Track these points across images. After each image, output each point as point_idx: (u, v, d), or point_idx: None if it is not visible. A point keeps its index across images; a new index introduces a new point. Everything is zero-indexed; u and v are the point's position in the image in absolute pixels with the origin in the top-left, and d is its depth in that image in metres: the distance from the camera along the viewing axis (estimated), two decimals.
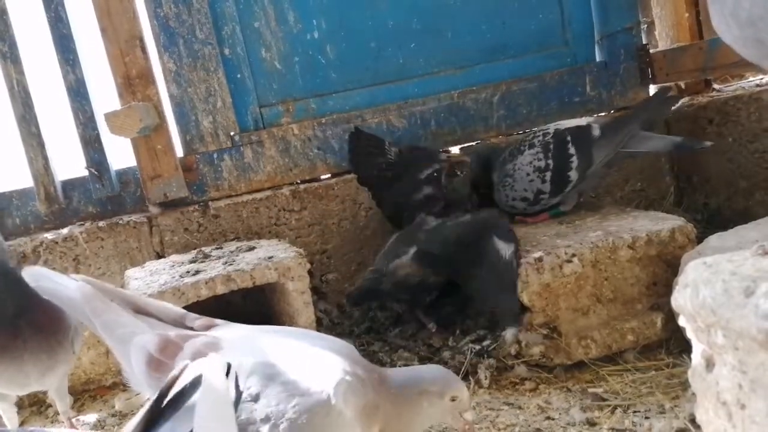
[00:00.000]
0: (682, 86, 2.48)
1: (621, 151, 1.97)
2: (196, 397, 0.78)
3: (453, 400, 1.14)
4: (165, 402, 0.78)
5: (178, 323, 1.16)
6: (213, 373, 0.82)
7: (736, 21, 0.92)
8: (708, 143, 1.99)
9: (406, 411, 1.10)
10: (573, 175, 1.96)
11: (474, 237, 1.76)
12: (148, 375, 1.04)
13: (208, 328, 1.14)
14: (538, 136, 2.03)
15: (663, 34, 2.51)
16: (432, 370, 1.19)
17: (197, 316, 1.18)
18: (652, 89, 2.53)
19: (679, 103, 2.44)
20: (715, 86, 2.46)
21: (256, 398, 0.98)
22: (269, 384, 1.00)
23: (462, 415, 1.16)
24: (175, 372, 0.80)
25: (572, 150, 1.96)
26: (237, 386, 0.89)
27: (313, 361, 1.06)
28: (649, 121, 2.03)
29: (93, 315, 1.10)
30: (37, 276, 1.20)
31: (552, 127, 2.05)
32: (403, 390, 1.10)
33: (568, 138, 1.97)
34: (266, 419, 0.97)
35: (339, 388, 1.00)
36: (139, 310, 1.15)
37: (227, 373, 0.88)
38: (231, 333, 1.13)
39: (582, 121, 2.07)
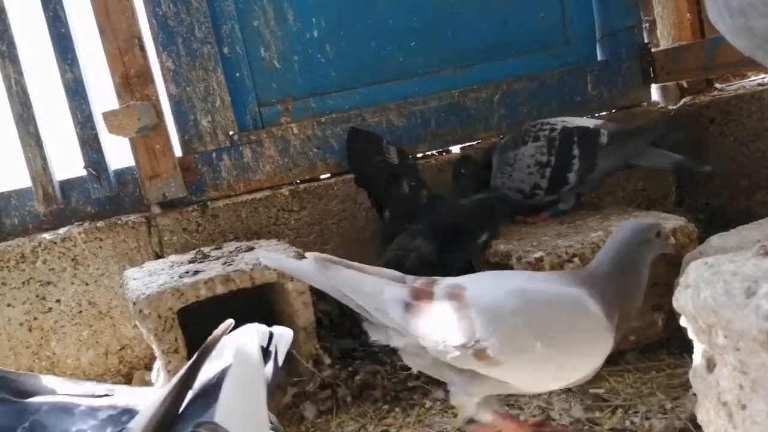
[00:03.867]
0: (684, 85, 2.47)
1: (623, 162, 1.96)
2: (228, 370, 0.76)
3: (658, 235, 1.29)
4: (200, 371, 0.75)
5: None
6: (248, 346, 0.80)
7: (728, 10, 0.95)
8: (708, 168, 1.97)
9: (628, 284, 1.24)
10: (572, 177, 1.93)
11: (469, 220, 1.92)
12: (408, 320, 1.20)
13: (430, 285, 1.26)
14: (545, 130, 1.99)
15: (664, 33, 2.50)
16: (625, 229, 1.29)
17: (416, 277, 1.29)
18: (654, 88, 2.52)
19: (680, 102, 2.44)
20: (717, 85, 2.46)
21: (515, 312, 1.16)
22: (528, 304, 1.18)
23: (668, 242, 1.31)
24: (217, 332, 0.78)
25: (576, 152, 1.92)
26: (276, 358, 0.88)
27: (556, 285, 1.22)
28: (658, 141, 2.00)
29: (337, 281, 1.26)
30: (271, 260, 1.38)
31: (560, 123, 2.00)
32: (616, 267, 1.25)
33: (575, 138, 1.93)
34: (531, 333, 1.15)
35: (590, 301, 1.17)
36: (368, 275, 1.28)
37: (269, 343, 0.86)
38: (465, 278, 1.28)
39: (591, 122, 2.02)
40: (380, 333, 1.29)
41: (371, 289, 1.24)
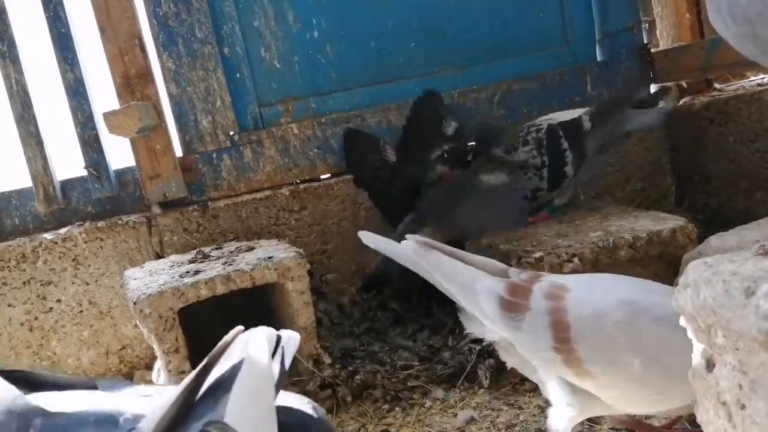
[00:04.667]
0: (684, 85, 2.48)
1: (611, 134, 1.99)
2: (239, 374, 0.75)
3: None
4: (209, 374, 0.75)
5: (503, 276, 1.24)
6: (258, 348, 0.79)
7: (732, 18, 0.91)
8: None
9: None
10: (569, 169, 1.97)
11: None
12: (502, 315, 1.16)
13: (532, 281, 1.21)
14: (531, 132, 2.03)
15: (664, 33, 2.51)
16: None
17: (520, 270, 1.26)
18: (653, 89, 2.52)
19: (680, 103, 2.43)
20: (716, 86, 2.45)
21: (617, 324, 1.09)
22: (634, 317, 1.09)
23: None
24: (227, 338, 0.78)
25: (565, 145, 1.96)
26: (283, 361, 0.87)
27: (657, 292, 1.14)
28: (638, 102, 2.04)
29: (432, 266, 1.22)
30: (371, 239, 1.34)
31: (545, 122, 2.04)
32: None
33: (561, 133, 1.98)
34: (631, 349, 1.07)
35: None
36: (466, 264, 1.24)
37: (276, 346, 0.86)
38: (569, 277, 1.24)
39: (574, 112, 2.06)
40: (475, 325, 1.24)
41: (466, 279, 1.20)
